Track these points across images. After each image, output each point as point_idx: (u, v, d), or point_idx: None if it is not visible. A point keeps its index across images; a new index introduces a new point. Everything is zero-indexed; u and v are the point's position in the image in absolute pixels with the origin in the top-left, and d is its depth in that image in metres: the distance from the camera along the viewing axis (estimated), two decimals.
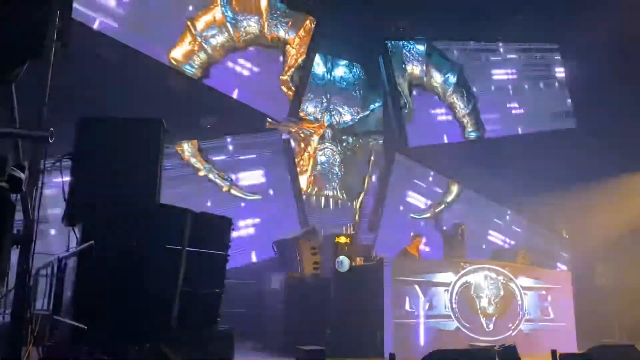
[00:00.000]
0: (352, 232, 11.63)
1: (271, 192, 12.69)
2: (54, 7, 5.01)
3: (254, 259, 11.54)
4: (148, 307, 4.21)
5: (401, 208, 14.52)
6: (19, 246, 4.86)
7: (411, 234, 11.19)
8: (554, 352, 6.80)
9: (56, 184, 4.91)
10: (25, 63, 2.74)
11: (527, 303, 10.27)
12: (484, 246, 14.65)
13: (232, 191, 12.11)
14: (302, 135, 13.68)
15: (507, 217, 15.89)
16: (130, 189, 4.56)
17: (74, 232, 5.39)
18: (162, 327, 4.24)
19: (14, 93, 2.91)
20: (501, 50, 16.41)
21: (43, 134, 2.48)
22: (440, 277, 9.64)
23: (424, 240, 11.21)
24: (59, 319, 5.34)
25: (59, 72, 5.65)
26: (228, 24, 12.32)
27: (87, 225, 4.81)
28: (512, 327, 9.99)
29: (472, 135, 15.74)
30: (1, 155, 2.35)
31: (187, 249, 4.53)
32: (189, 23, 11.80)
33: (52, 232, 7.99)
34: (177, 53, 11.62)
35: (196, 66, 11.87)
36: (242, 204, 12.16)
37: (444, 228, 13.40)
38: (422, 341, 8.95)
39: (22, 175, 2.47)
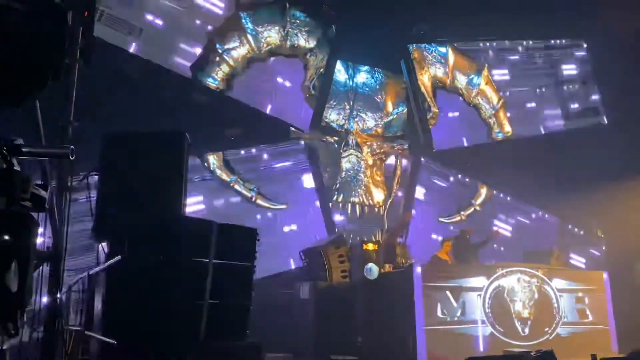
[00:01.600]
0: (380, 238, 11.51)
1: (297, 201, 12.66)
2: (76, 26, 5.12)
3: (281, 268, 11.48)
4: (176, 321, 4.21)
5: (430, 213, 14.32)
6: (49, 263, 4.96)
7: (440, 239, 11.02)
8: (594, 357, 6.58)
9: (81, 201, 5.00)
10: (46, 84, 2.77)
11: (563, 306, 9.99)
12: (515, 249, 14.34)
13: (258, 201, 12.13)
14: (326, 142, 13.64)
15: (539, 218, 15.54)
16: (156, 202, 4.58)
17: (102, 247, 5.46)
18: (190, 340, 4.23)
19: (38, 112, 2.96)
20: (525, 48, 16.11)
21: (64, 152, 2.48)
22: (472, 281, 9.45)
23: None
24: (90, 334, 5.40)
25: (84, 89, 5.77)
26: (249, 36, 12.40)
27: (114, 240, 4.86)
28: (549, 331, 9.71)
29: (499, 136, 15.47)
30: (24, 174, 2.36)
31: (213, 261, 4.52)
32: (210, 36, 11.91)
33: (80, 248, 8.10)
34: (200, 66, 11.74)
35: (219, 79, 11.97)
36: (269, 214, 12.17)
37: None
38: (455, 348, 8.76)
39: (45, 194, 2.48)
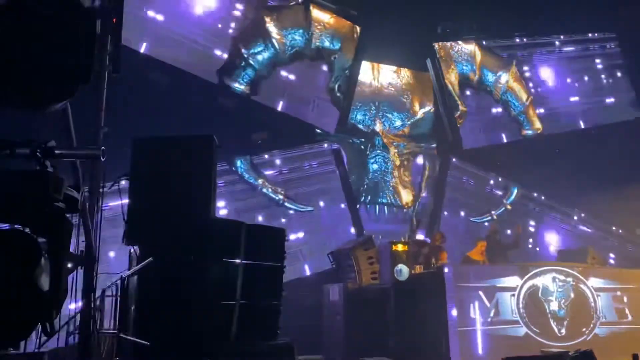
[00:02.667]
0: (407, 240, 11.36)
1: (325, 203, 12.64)
2: (105, 32, 5.20)
3: (311, 270, 11.47)
4: (207, 321, 4.22)
5: (459, 213, 14.13)
6: (82, 267, 5.03)
7: (477, 239, 10.89)
8: (635, 357, 6.36)
9: (111, 206, 5.07)
10: (76, 88, 2.80)
11: (601, 305, 9.70)
12: (550, 248, 14.04)
13: (286, 204, 12.15)
14: (352, 144, 13.59)
15: (573, 216, 15.17)
16: (186, 205, 4.62)
17: (134, 251, 5.53)
18: (221, 341, 4.23)
19: (70, 116, 3.00)
20: (557, 43, 15.79)
21: (95, 153, 2.51)
22: (505, 281, 9.25)
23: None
24: (124, 337, 5.47)
25: (113, 97, 5.86)
26: (273, 39, 12.45)
27: (146, 244, 4.91)
28: (587, 332, 9.44)
29: (530, 133, 15.17)
30: (58, 176, 2.40)
31: (243, 261, 4.52)
32: (235, 41, 12.01)
33: (112, 253, 8.22)
34: (226, 71, 11.84)
35: (244, 83, 12.04)
36: (296, 216, 12.17)
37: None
38: (489, 349, 8.59)
39: (78, 196, 2.50)
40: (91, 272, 4.95)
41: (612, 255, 14.36)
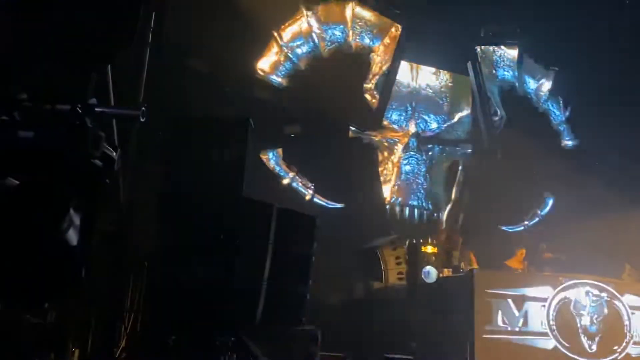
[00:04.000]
0: (438, 243, 11.21)
1: (354, 200, 12.53)
2: (149, 10, 5.24)
3: (336, 266, 11.34)
4: (234, 302, 4.18)
5: (492, 220, 13.81)
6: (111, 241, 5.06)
7: (516, 247, 10.67)
8: None
9: None
10: (116, 53, 2.79)
11: (635, 324, 9.34)
12: (582, 262, 13.59)
13: (315, 199, 12.08)
14: (385, 144, 13.44)
15: (608, 230, 14.65)
16: (218, 183, 4.60)
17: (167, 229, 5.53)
18: (246, 320, 4.19)
19: (110, 79, 3.01)
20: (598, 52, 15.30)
21: (135, 113, 2.49)
22: (536, 291, 9.00)
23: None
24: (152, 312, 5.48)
25: (153, 81, 5.90)
26: (313, 34, 12.41)
27: (178, 222, 4.90)
28: (619, 350, 9.11)
29: (570, 144, 14.73)
30: (97, 132, 2.38)
31: (272, 244, 4.47)
32: (275, 34, 12.02)
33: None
34: (264, 64, 11.86)
35: (281, 76, 12.03)
36: (325, 212, 12.08)
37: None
38: (515, 359, 8.36)
39: (115, 155, 2.48)
40: (121, 246, 5.01)
41: None
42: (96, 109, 2.43)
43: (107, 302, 5.11)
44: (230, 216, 4.41)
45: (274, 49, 12.01)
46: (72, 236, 2.21)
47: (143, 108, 2.48)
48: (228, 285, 4.22)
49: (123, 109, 2.69)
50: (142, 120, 2.48)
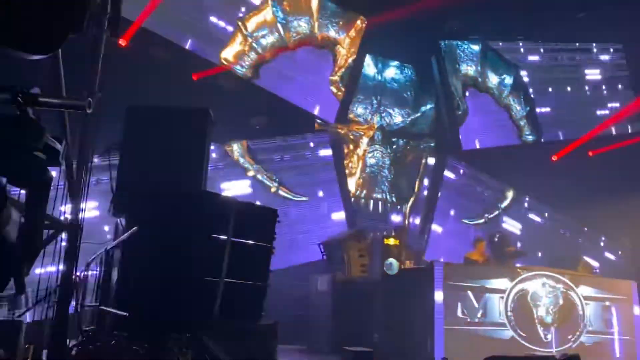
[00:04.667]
0: (401, 235, 11.29)
1: (319, 194, 12.53)
2: None
3: (299, 261, 11.36)
4: (190, 297, 4.11)
5: (452, 213, 14.05)
6: (66, 234, 4.90)
7: (473, 240, 10.82)
8: None
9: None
10: (65, 39, 2.67)
11: (588, 314, 9.64)
12: (539, 254, 13.98)
13: (280, 192, 12.03)
14: (351, 137, 13.48)
15: (566, 225, 15.13)
16: (176, 176, 4.49)
17: (120, 222, 5.40)
18: (204, 317, 4.12)
19: (60, 68, 2.88)
20: (560, 50, 15.69)
21: (81, 104, 2.37)
22: (495, 283, 9.17)
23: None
24: (104, 309, 5.34)
25: (110, 70, 5.72)
26: (279, 25, 12.31)
27: (133, 214, 4.78)
28: (572, 339, 9.38)
29: (529, 139, 15.08)
30: (39, 123, 2.26)
31: (232, 239, 4.41)
32: (240, 23, 11.87)
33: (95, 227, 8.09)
34: (228, 53, 11.69)
35: (246, 66, 11.89)
36: (293, 205, 12.05)
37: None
38: (474, 349, 8.50)
39: (60, 148, 2.37)
40: (75, 239, 4.85)
41: (601, 265, 14.34)
42: (40, 99, 2.31)
43: (61, 296, 4.94)
44: (189, 210, 4.32)
45: (239, 38, 11.85)
46: (12, 231, 2.11)
47: (89, 99, 2.37)
48: (185, 280, 4.14)
49: (69, 99, 2.57)
50: (89, 111, 2.37)
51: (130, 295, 4.35)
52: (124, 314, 3.97)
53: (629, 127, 15.53)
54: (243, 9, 12.04)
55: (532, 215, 14.94)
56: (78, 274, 5.34)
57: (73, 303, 5.17)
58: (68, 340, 4.77)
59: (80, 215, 4.72)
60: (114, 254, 5.54)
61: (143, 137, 4.77)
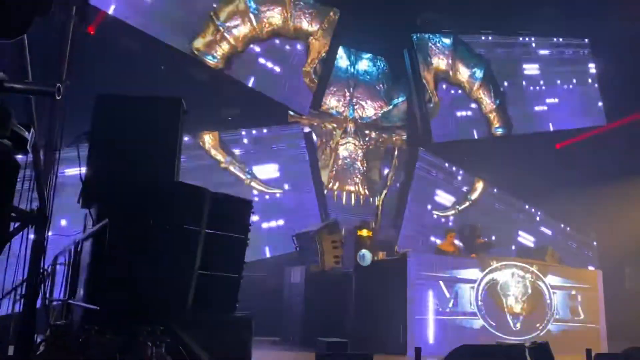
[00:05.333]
0: (374, 227, 11.39)
1: (292, 186, 12.49)
2: None
3: (273, 252, 11.32)
4: (163, 289, 4.04)
5: (425, 205, 14.20)
6: (33, 226, 4.75)
7: (446, 230, 10.99)
8: (588, 351, 6.48)
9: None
10: (32, 20, 2.57)
11: (555, 302, 9.91)
12: (512, 247, 14.28)
13: (253, 184, 11.95)
14: (324, 129, 13.47)
15: (534, 216, 15.47)
16: (148, 167, 4.40)
17: (90, 214, 5.26)
18: (177, 310, 4.06)
19: (27, 53, 2.77)
20: (531, 44, 15.98)
21: (49, 89, 2.29)
22: (466, 273, 9.33)
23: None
24: (73, 303, 5.22)
25: (80, 58, 5.57)
26: (251, 15, 12.18)
27: (103, 206, 4.67)
28: (540, 327, 9.63)
29: (499, 132, 15.34)
30: (4, 107, 2.17)
31: (205, 230, 4.34)
32: (211, 13, 11.69)
33: (64, 222, 7.91)
34: (199, 43, 11.51)
35: (218, 57, 11.74)
36: (266, 197, 11.98)
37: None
38: (445, 339, 8.64)
39: (28, 135, 2.28)
40: (42, 231, 4.71)
41: (568, 255, 14.71)
42: (5, 84, 2.22)
43: (28, 290, 4.80)
44: (161, 201, 4.23)
45: (210, 28, 11.68)
46: None
47: (59, 85, 2.28)
48: (157, 272, 4.07)
49: (37, 85, 2.47)
50: (57, 98, 2.29)
51: (101, 288, 4.24)
52: (94, 307, 3.88)
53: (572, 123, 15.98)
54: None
55: (502, 208, 15.21)
56: (46, 267, 5.21)
57: (41, 297, 5.05)
58: (36, 336, 4.65)
59: (48, 206, 4.60)
60: (83, 246, 5.42)
61: (113, 127, 4.66)
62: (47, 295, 5.55)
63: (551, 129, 15.60)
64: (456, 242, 10.74)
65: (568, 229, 15.62)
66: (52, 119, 4.79)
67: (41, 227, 4.63)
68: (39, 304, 4.91)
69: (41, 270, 4.81)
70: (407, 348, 8.17)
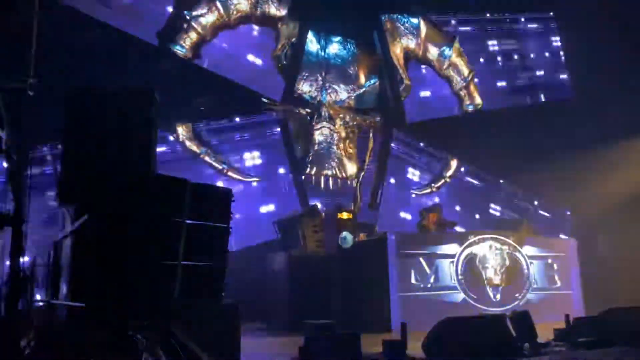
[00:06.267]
0: (353, 209, 11.49)
1: (269, 173, 12.48)
2: None
3: (254, 241, 11.31)
4: (148, 282, 4.03)
5: (402, 184, 14.35)
6: (10, 226, 4.68)
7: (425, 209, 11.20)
8: (567, 317, 6.69)
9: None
10: None
11: (533, 272, 10.18)
12: (484, 218, 14.55)
13: (230, 173, 11.90)
14: (298, 114, 13.42)
15: (508, 190, 15.76)
16: (124, 160, 4.36)
17: (68, 212, 5.19)
18: (163, 301, 4.06)
19: None
20: (498, 21, 16.18)
21: (21, 86, 2.25)
22: (445, 249, 9.52)
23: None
24: (56, 303, 5.17)
25: (46, 55, 5.44)
26: (217, 3, 12.01)
27: (81, 203, 4.60)
28: (520, 297, 9.90)
29: (470, 108, 15.52)
30: None
31: (187, 221, 4.34)
32: (177, 3, 11.50)
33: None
34: (167, 34, 11.33)
35: (187, 47, 11.59)
36: (241, 186, 11.94)
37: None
38: (429, 314, 8.80)
39: (2, 133, 2.25)
40: (19, 231, 4.63)
41: (543, 226, 15.07)
42: None
43: (9, 293, 4.74)
44: (140, 194, 4.21)
45: (177, 18, 11.49)
46: None
47: (31, 81, 2.25)
48: (142, 265, 4.06)
49: (8, 81, 2.42)
50: (30, 94, 2.25)
51: (85, 285, 4.22)
52: (80, 305, 3.86)
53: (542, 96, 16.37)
54: None
55: (476, 183, 15.48)
56: (26, 268, 5.14)
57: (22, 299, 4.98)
58: (20, 338, 4.60)
59: (25, 208, 4.53)
60: (62, 245, 5.36)
61: (86, 122, 4.58)
62: (29, 296, 5.48)
63: (520, 103, 15.87)
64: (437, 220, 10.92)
65: (542, 200, 15.98)
66: (21, 115, 4.69)
67: (18, 229, 4.56)
68: (20, 306, 4.85)
69: (20, 272, 4.75)
70: (392, 325, 8.33)
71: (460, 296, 9.43)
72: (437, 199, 14.13)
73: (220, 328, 4.25)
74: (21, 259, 4.76)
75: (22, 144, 4.78)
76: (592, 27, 14.22)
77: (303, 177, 13.01)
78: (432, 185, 14.87)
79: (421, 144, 14.97)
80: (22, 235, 4.47)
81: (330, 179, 13.53)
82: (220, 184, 10.91)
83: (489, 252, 9.81)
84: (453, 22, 15.69)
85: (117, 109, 4.58)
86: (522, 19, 16.48)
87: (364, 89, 14.56)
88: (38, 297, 6.05)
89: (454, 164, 15.29)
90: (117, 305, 3.81)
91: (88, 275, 4.02)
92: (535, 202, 16.03)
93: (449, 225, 11.52)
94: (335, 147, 13.75)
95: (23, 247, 4.52)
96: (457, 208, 14.39)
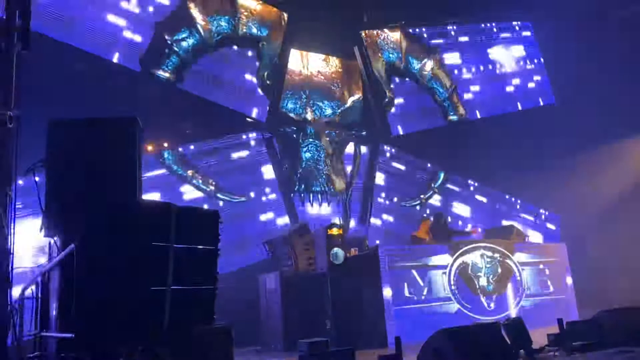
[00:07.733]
0: (343, 224, 11.47)
1: (257, 192, 12.48)
2: (13, 8, 4.81)
3: (245, 262, 11.27)
4: (137, 309, 3.99)
5: (391, 197, 14.40)
6: None
7: (421, 220, 11.22)
8: (560, 321, 6.71)
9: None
10: None
11: (525, 278, 10.21)
12: (476, 227, 14.58)
13: (218, 195, 11.87)
14: (284, 133, 13.48)
15: (498, 198, 15.88)
16: (109, 189, 4.35)
17: (55, 242, 5.15)
18: (154, 328, 4.02)
19: None
20: (477, 30, 16.45)
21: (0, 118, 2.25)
22: (437, 259, 9.52)
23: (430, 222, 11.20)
24: (46, 335, 5.09)
25: (27, 84, 5.44)
26: (198, 26, 12.10)
27: (67, 233, 4.58)
28: (514, 304, 9.91)
29: (454, 119, 15.69)
30: None
31: (174, 245, 4.32)
32: (158, 27, 11.55)
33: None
34: (149, 58, 11.36)
35: (169, 70, 11.62)
36: (228, 207, 11.91)
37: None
38: (424, 326, 8.79)
39: None
40: (6, 264, 4.58)
41: (532, 232, 15.19)
42: None
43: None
44: (126, 221, 4.19)
45: (159, 43, 11.54)
46: None
47: (9, 113, 2.25)
48: (130, 293, 4.02)
49: None
50: (10, 125, 2.25)
51: (74, 316, 4.17)
52: (69, 335, 3.81)
53: (540, 100, 16.59)
54: (160, 13, 11.73)
55: (464, 193, 15.56)
56: (13, 302, 5.06)
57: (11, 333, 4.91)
58: None
59: (10, 240, 4.49)
60: (50, 276, 5.29)
61: (69, 153, 4.58)
62: (18, 330, 5.40)
63: (501, 112, 16.09)
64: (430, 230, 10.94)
65: (532, 206, 16.12)
66: (4, 149, 4.67)
67: (5, 261, 4.51)
68: (9, 341, 4.78)
69: (9, 306, 4.69)
70: (389, 340, 8.29)
71: (454, 307, 9.42)
72: (428, 211, 14.19)
73: (212, 351, 4.21)
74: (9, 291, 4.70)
75: (5, 176, 4.75)
76: (572, 35, 14.56)
77: (292, 194, 13.04)
78: (421, 196, 14.94)
79: (408, 156, 15.07)
80: (10, 268, 4.42)
81: (319, 195, 13.56)
82: (205, 206, 10.87)
83: (481, 260, 9.84)
84: (434, 33, 15.92)
85: (101, 139, 4.59)
86: (502, 27, 16.78)
87: (348, 105, 14.68)
88: (26, 330, 5.96)
89: (441, 174, 15.39)
90: (107, 334, 3.77)
91: (77, 306, 3.98)
92: (526, 207, 16.16)
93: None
94: (322, 164, 13.81)
95: (11, 281, 4.46)
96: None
